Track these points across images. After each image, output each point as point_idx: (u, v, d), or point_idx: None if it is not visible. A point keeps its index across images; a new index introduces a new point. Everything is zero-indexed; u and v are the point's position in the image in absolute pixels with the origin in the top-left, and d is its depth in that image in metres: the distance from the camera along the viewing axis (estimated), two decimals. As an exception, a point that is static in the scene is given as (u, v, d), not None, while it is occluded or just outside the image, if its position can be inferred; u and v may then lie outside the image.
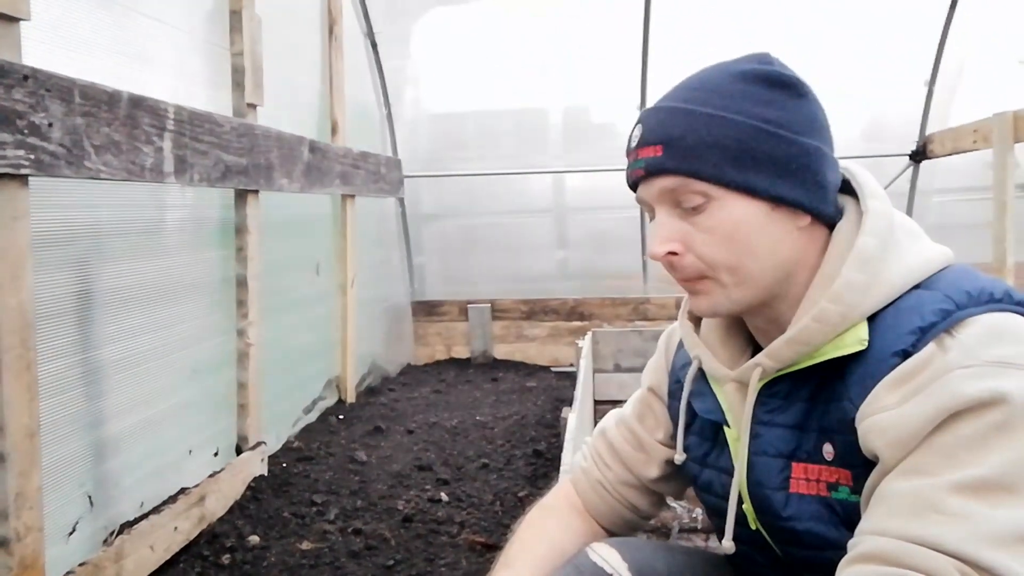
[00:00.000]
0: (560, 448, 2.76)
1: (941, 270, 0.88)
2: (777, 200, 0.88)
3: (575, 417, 2.17)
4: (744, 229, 0.88)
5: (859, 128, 4.42)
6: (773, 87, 0.90)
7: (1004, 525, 0.71)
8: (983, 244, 3.36)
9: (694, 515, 2.33)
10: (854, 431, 0.83)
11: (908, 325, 0.81)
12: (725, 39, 4.09)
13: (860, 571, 0.75)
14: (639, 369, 3.23)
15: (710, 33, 4.12)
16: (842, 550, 0.82)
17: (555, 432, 3.13)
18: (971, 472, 0.73)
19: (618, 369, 3.35)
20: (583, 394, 2.51)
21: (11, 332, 1.51)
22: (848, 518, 0.86)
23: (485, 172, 4.62)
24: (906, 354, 0.80)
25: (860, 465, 0.84)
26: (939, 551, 0.71)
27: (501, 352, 4.74)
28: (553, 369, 4.52)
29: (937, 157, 4.13)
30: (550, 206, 4.78)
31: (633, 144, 0.94)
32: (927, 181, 4.39)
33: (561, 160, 4.67)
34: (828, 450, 0.88)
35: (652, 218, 0.95)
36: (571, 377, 3.63)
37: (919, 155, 4.26)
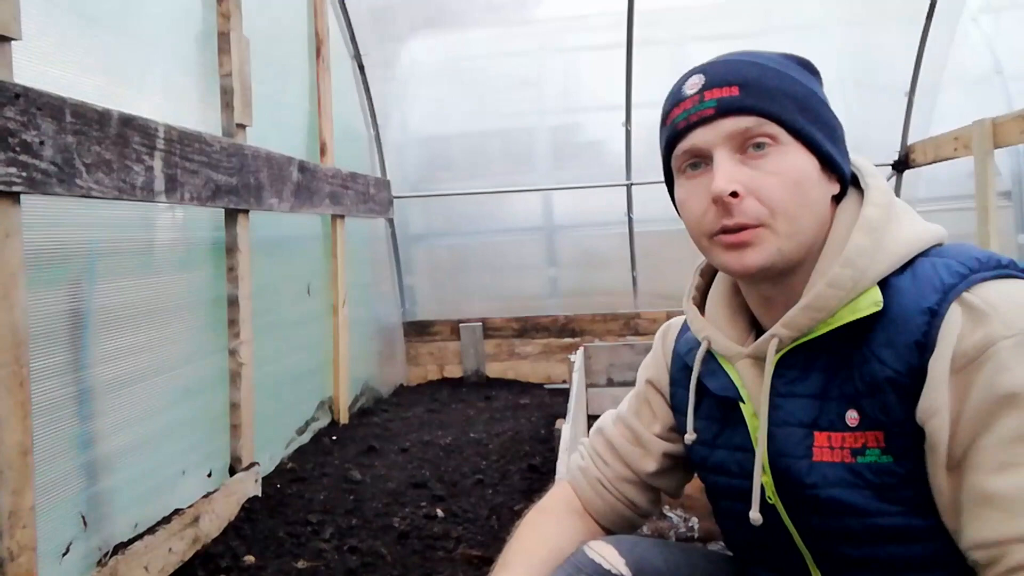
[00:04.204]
0: (556, 461, 2.75)
1: (938, 245, 0.93)
2: (826, 159, 0.93)
3: (569, 428, 2.17)
4: (807, 178, 0.92)
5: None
6: (811, 72, 1.00)
7: None
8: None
9: (690, 524, 2.33)
10: (886, 392, 0.86)
11: (929, 286, 0.86)
12: (707, 58, 4.14)
13: None
14: (632, 383, 3.25)
15: (691, 52, 4.19)
16: (865, 515, 0.87)
17: (550, 447, 3.13)
18: None
19: (611, 383, 3.34)
20: (576, 408, 2.51)
21: (4, 349, 1.51)
22: (876, 481, 0.88)
23: (474, 191, 4.65)
24: (932, 312, 0.84)
25: (894, 424, 0.87)
26: None
27: (494, 370, 4.73)
28: (546, 386, 4.52)
29: (919, 166, 4.18)
30: (539, 224, 4.80)
31: (691, 91, 0.95)
32: (911, 191, 4.44)
33: (549, 178, 4.71)
34: (852, 416, 0.90)
35: (697, 167, 0.95)
36: (564, 394, 3.63)
37: (902, 165, 4.31)
